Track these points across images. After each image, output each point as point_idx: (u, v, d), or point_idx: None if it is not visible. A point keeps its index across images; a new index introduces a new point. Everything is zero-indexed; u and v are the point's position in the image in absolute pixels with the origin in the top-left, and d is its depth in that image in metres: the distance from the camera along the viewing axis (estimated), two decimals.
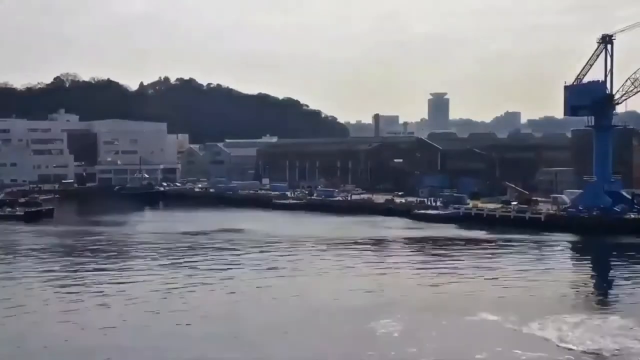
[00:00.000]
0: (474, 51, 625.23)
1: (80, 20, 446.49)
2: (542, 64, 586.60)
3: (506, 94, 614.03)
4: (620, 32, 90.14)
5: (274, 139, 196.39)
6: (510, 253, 69.51)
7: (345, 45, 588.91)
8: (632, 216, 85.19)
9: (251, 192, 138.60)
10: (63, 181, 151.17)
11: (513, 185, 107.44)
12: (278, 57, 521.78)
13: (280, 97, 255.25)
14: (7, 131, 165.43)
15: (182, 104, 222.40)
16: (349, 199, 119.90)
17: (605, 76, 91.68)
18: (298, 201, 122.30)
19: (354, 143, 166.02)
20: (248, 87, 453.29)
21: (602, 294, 53.16)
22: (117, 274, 57.60)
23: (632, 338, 37.46)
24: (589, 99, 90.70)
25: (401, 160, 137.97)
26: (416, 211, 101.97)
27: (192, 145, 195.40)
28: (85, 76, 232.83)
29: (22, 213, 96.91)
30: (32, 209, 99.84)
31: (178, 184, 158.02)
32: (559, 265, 64.47)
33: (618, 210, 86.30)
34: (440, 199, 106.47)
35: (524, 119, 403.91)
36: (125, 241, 79.56)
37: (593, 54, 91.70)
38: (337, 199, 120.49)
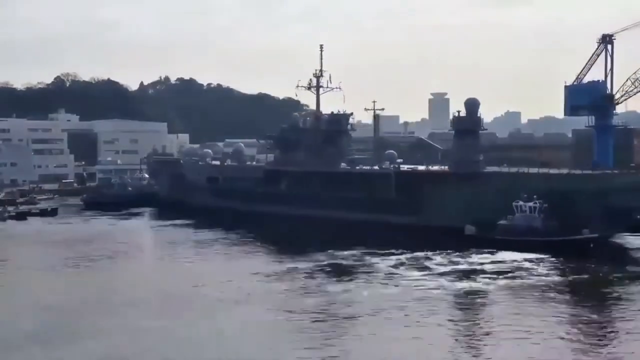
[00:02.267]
0: (475, 51, 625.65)
1: (80, 20, 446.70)
2: (542, 63, 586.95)
3: (506, 94, 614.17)
4: (620, 32, 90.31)
5: None
6: None
7: (345, 45, 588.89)
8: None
9: None
10: (63, 181, 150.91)
11: None
12: (278, 58, 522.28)
13: (281, 97, 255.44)
14: (7, 131, 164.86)
15: (182, 104, 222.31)
16: None
17: (606, 76, 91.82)
18: None
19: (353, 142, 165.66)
20: (248, 87, 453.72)
21: None
22: None
23: None
24: (589, 99, 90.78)
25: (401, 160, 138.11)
26: None
27: (192, 145, 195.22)
28: (85, 76, 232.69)
29: (37, 211, 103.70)
30: (47, 208, 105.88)
31: None
32: None
33: None
34: None
35: (524, 119, 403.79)
36: None
37: (593, 54, 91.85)
38: None
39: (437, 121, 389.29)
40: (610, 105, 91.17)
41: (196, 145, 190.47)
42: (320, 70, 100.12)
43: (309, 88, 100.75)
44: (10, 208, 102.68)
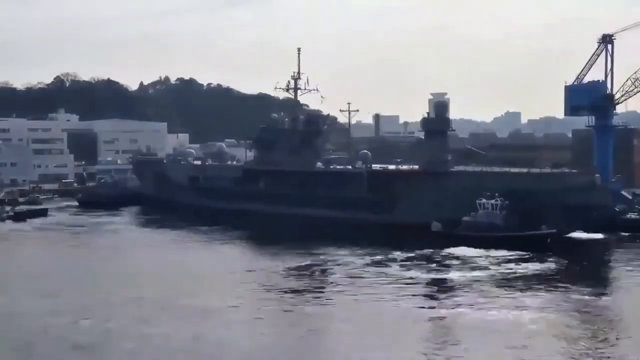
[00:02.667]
0: (474, 51, 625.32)
1: (80, 20, 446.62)
2: (542, 64, 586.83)
3: (506, 94, 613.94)
4: (620, 32, 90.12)
5: None
6: None
7: (345, 45, 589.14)
8: (632, 216, 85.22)
9: None
10: (63, 181, 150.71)
11: None
12: (278, 58, 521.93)
13: (281, 97, 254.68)
14: (7, 131, 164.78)
15: (182, 104, 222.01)
16: None
17: (606, 76, 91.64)
18: None
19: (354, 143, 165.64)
20: (248, 87, 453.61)
21: None
22: None
23: None
24: (589, 99, 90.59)
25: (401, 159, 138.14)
26: None
27: (191, 145, 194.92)
28: (85, 76, 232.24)
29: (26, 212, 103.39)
30: (36, 209, 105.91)
31: None
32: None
33: (617, 210, 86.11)
34: None
35: (524, 119, 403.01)
36: None
37: (593, 54, 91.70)
38: None
39: None
40: (610, 105, 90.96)
41: (196, 145, 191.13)
42: (298, 73, 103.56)
43: (287, 90, 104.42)
44: (7, 208, 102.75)
